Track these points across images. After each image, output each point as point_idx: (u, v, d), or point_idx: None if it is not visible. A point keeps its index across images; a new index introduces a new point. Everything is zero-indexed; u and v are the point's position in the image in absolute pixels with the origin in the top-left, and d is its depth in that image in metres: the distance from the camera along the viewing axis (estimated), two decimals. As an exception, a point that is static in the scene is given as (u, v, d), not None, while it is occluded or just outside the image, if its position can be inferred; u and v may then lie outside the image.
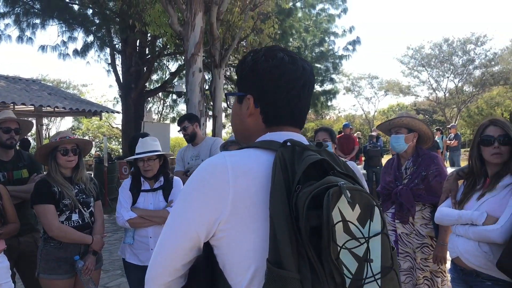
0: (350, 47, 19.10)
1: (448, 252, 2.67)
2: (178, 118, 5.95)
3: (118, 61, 17.24)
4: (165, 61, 19.77)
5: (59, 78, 35.27)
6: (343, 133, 11.80)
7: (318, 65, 18.82)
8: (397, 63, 44.96)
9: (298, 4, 17.24)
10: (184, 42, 9.69)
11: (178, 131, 5.02)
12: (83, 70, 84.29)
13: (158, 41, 16.41)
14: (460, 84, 33.02)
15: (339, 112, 42.23)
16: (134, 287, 3.46)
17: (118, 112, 15.20)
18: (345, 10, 18.51)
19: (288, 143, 1.13)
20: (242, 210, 1.08)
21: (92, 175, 11.42)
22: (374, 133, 13.26)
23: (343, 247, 0.96)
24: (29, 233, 3.55)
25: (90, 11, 15.71)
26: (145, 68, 16.67)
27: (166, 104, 25.64)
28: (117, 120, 27.80)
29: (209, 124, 12.47)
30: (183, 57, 12.33)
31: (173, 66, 20.28)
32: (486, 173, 2.52)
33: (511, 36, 59.00)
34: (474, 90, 32.61)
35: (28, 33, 15.15)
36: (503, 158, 2.41)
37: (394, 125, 3.48)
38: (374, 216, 1.03)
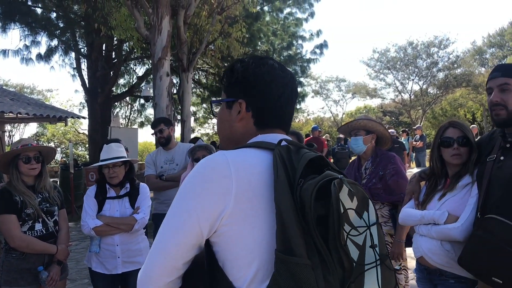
0: (318, 51, 19.27)
1: (413, 252, 2.73)
2: (152, 122, 5.95)
3: (84, 66, 16.89)
4: (132, 65, 19.56)
5: (22, 83, 34.10)
6: (311, 136, 11.91)
7: (287, 69, 18.90)
8: (364, 66, 45.63)
9: (266, 8, 17.32)
10: (151, 46, 9.58)
11: (152, 134, 5.02)
12: (48, 75, 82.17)
13: (124, 45, 16.21)
14: (424, 86, 33.78)
15: (308, 115, 42.70)
16: (101, 296, 3.39)
17: (84, 118, 14.79)
18: (312, 14, 18.69)
19: (283, 143, 1.18)
20: (245, 204, 1.11)
21: (58, 182, 11.17)
22: (342, 136, 13.43)
23: (349, 234, 1.04)
24: (-11, 244, 3.44)
25: (54, 15, 15.35)
26: (111, 73, 16.41)
27: (133, 109, 25.24)
28: (84, 126, 27.16)
29: (177, 129, 12.36)
30: (150, 61, 12.18)
31: (140, 70, 20.09)
32: (447, 173, 2.59)
33: (472, 39, 60.92)
34: (438, 92, 33.39)
35: (-13, 37, 14.71)
36: (462, 159, 2.48)
37: (353, 128, 3.59)
38: (369, 207, 1.13)
